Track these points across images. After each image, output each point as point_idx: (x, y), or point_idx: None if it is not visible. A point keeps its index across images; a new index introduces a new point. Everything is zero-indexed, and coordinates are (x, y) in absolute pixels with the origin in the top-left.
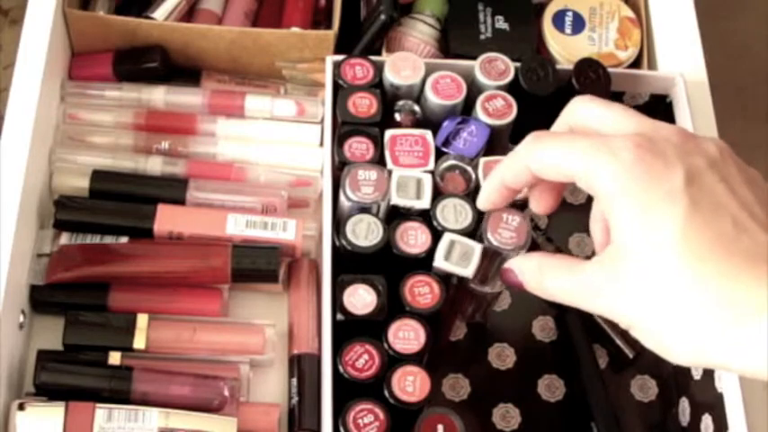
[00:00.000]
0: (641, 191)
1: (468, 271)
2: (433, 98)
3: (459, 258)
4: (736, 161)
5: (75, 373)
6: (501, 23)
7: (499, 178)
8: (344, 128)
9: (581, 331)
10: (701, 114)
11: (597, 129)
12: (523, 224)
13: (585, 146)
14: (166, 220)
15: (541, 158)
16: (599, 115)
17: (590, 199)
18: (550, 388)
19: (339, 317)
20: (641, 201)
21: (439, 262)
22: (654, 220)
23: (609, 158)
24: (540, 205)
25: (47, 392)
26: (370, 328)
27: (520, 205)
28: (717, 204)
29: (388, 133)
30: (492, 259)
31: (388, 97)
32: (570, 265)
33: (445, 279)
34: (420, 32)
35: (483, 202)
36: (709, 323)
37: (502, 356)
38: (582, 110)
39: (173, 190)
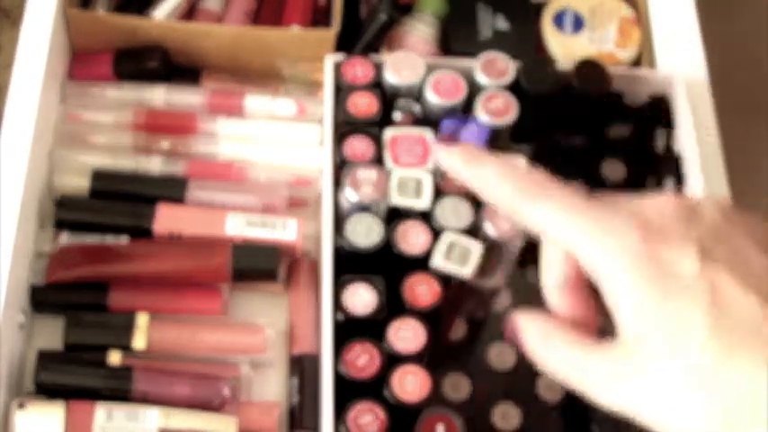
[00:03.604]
0: (653, 284)
1: (466, 271)
2: (433, 98)
3: (458, 258)
4: (743, 218)
5: (75, 373)
6: (501, 23)
7: (476, 175)
8: (344, 128)
9: None
10: (701, 114)
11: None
12: None
13: (589, 225)
14: (166, 219)
15: (537, 223)
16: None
17: None
18: (550, 388)
19: (339, 317)
20: (655, 295)
21: (437, 262)
22: (673, 308)
23: (614, 252)
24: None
25: (47, 392)
26: (370, 328)
27: None
28: (737, 281)
29: (388, 133)
30: (491, 252)
31: (388, 97)
32: (573, 342)
33: (445, 278)
34: (420, 32)
35: (450, 163)
36: (738, 417)
37: (502, 356)
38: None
39: (172, 190)
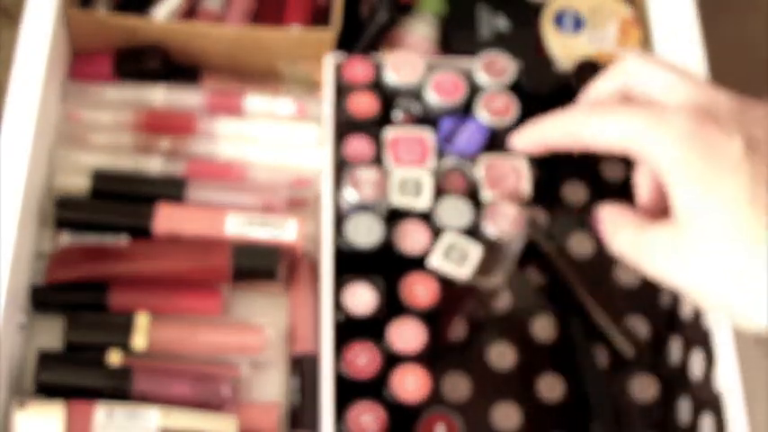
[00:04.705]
0: (701, 161)
1: (464, 273)
2: (433, 98)
3: (457, 259)
4: None
5: (75, 373)
6: (501, 23)
7: (541, 135)
8: (344, 127)
9: (582, 331)
10: None
11: (648, 93)
12: (520, 215)
13: (641, 121)
14: (166, 219)
15: (595, 133)
16: (652, 78)
17: (589, 201)
18: (550, 388)
19: (339, 317)
20: (703, 171)
21: (436, 262)
22: (717, 187)
23: (666, 133)
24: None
25: (47, 392)
26: (370, 328)
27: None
28: None
29: (389, 133)
30: (490, 251)
31: (388, 97)
32: (638, 224)
33: (444, 278)
34: (420, 32)
35: (521, 145)
36: None
37: (502, 356)
38: (634, 70)
39: (172, 190)
